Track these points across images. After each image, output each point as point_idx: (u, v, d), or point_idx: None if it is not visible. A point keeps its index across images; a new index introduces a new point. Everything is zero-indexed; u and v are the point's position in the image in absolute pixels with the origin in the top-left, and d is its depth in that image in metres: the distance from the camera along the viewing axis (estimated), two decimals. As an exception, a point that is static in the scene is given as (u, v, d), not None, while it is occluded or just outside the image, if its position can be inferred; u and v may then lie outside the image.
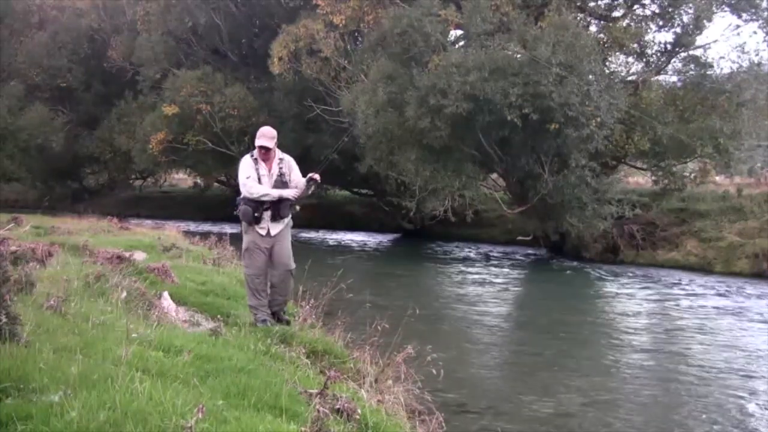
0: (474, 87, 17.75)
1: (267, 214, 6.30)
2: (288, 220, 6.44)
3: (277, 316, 6.36)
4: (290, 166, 6.45)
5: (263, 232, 6.31)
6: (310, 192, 6.45)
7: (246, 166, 6.34)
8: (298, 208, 6.48)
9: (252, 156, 6.37)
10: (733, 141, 19.51)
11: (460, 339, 10.91)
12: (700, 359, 9.78)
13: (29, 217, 13.24)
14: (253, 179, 6.28)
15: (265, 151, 6.28)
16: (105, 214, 18.22)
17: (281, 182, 6.33)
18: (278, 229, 6.35)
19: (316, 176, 6.33)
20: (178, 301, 6.75)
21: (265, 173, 6.30)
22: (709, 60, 20.42)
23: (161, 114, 26.98)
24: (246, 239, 6.38)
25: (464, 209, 20.61)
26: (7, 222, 10.93)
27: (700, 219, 21.62)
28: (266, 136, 6.32)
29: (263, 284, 6.32)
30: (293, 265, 6.44)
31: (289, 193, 6.28)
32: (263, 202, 6.24)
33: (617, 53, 21.60)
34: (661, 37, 27.54)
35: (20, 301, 4.66)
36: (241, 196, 6.35)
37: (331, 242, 26.76)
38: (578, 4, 21.70)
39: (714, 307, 13.99)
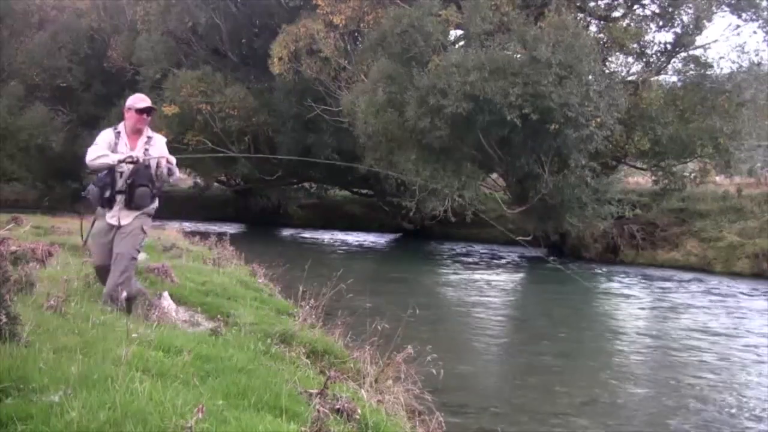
0: (474, 87, 17.76)
1: (120, 199, 5.43)
2: (146, 211, 5.56)
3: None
4: (160, 148, 5.57)
5: (113, 221, 5.44)
6: (169, 178, 5.54)
7: (101, 137, 5.51)
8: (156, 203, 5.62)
9: (115, 129, 5.57)
10: (733, 141, 19.53)
11: (460, 339, 10.91)
12: (701, 359, 9.79)
13: (29, 216, 13.22)
14: (98, 147, 5.39)
15: (145, 116, 5.50)
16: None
17: (144, 167, 5.41)
18: (129, 219, 5.47)
19: (172, 159, 5.46)
20: (178, 301, 6.73)
21: (125, 150, 5.45)
22: (709, 60, 20.46)
23: (161, 114, 26.97)
24: (95, 225, 5.57)
25: (464, 209, 20.62)
26: (7, 222, 10.91)
27: (700, 219, 21.65)
28: (146, 100, 5.62)
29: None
30: (135, 254, 5.56)
31: (123, 158, 5.32)
32: (115, 184, 5.40)
33: (617, 53, 21.60)
34: (661, 37, 27.55)
35: (20, 301, 4.66)
36: (95, 177, 5.54)
37: (331, 242, 26.76)
38: (578, 4, 21.70)
39: (714, 307, 14.01)
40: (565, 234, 21.84)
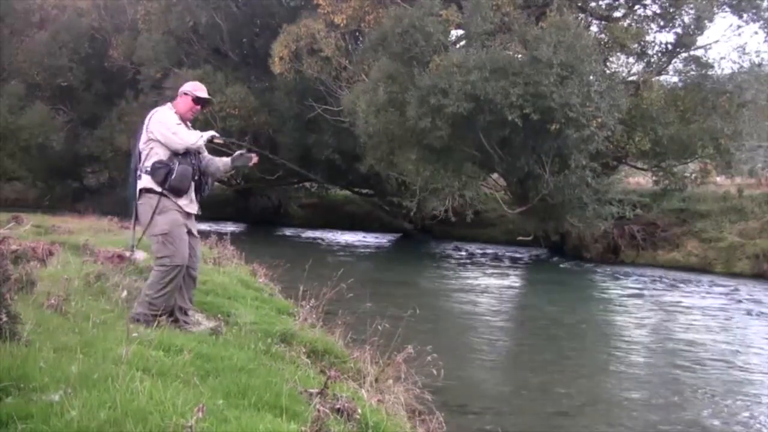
0: (475, 87, 17.75)
1: (192, 185, 5.20)
2: None
3: (183, 317, 5.26)
4: None
5: (191, 209, 5.19)
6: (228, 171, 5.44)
7: (172, 117, 5.18)
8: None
9: (174, 111, 5.28)
10: (734, 141, 19.52)
11: (460, 339, 10.91)
12: (701, 359, 9.78)
13: (30, 216, 13.21)
14: (183, 127, 5.15)
15: (200, 107, 5.30)
16: (106, 213, 18.21)
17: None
18: (197, 207, 5.28)
19: (255, 158, 5.28)
20: (179, 300, 6.72)
21: None
22: (710, 60, 20.43)
23: (162, 113, 26.96)
24: (164, 219, 5.04)
25: (464, 209, 20.62)
26: (7, 221, 10.91)
27: (701, 219, 21.65)
28: (205, 90, 5.40)
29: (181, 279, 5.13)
30: None
31: (218, 139, 5.19)
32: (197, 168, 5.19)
33: (618, 53, 21.59)
34: (662, 37, 27.41)
35: (21, 300, 4.66)
36: (163, 157, 5.08)
37: (331, 242, 26.76)
38: (579, 4, 21.69)
39: (714, 308, 14.00)
40: (566, 234, 21.84)
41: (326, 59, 23.70)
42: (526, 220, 21.78)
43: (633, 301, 14.90)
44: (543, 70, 17.50)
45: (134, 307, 5.16)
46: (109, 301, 5.74)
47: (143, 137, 5.20)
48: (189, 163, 5.13)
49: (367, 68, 21.88)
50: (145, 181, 5.13)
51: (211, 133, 5.28)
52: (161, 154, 5.10)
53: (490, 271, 19.47)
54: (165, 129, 5.09)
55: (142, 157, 5.17)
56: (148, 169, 5.10)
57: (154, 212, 5.05)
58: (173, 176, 5.04)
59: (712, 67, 20.19)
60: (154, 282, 5.07)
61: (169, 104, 5.35)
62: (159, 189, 5.08)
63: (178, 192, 5.09)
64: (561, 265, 20.69)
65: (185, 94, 5.33)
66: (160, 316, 4.98)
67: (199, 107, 5.35)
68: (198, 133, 5.21)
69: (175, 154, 5.12)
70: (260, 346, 5.03)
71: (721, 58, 22.67)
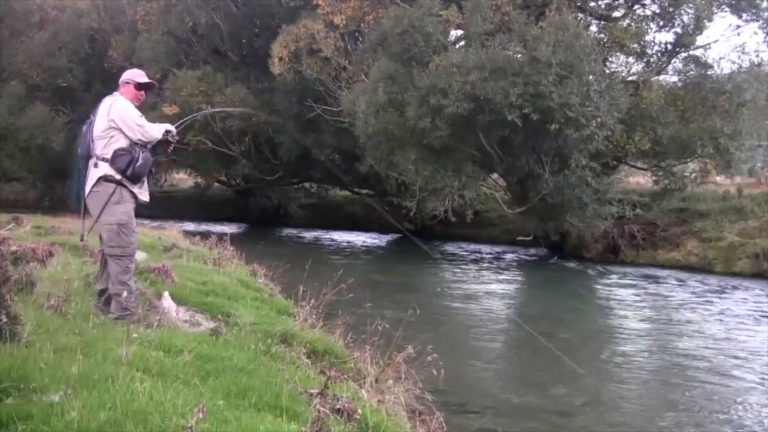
0: (474, 87, 17.74)
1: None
2: None
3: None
4: None
5: (144, 197, 5.28)
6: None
7: (133, 107, 5.26)
8: None
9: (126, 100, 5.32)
10: (734, 141, 19.51)
11: (460, 339, 10.92)
12: (701, 359, 9.78)
13: (30, 216, 13.21)
14: (147, 121, 5.26)
15: (144, 93, 5.40)
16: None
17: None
18: (147, 194, 5.36)
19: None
20: (179, 301, 6.73)
21: None
22: (710, 60, 20.43)
23: (162, 114, 26.96)
24: (120, 210, 5.13)
25: (464, 209, 20.61)
26: (7, 222, 10.91)
27: (701, 219, 21.65)
28: (145, 75, 5.48)
29: None
30: None
31: (172, 137, 5.34)
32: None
33: (617, 53, 21.58)
34: (661, 37, 27.57)
35: (21, 301, 4.66)
36: (124, 145, 5.13)
37: (331, 242, 26.76)
38: (578, 4, 21.68)
39: (714, 307, 14.00)
40: (566, 234, 21.83)
41: (326, 59, 23.68)
42: (526, 220, 21.77)
43: (633, 301, 14.91)
44: (542, 70, 17.49)
45: (113, 310, 5.15)
46: (109, 301, 5.72)
47: (100, 125, 5.19)
48: (149, 150, 5.26)
49: (367, 68, 21.87)
50: (103, 169, 5.14)
51: (168, 126, 5.40)
52: (122, 142, 5.15)
53: (490, 271, 19.48)
54: (130, 120, 5.16)
55: (99, 146, 5.16)
56: (108, 156, 5.12)
57: (108, 201, 5.10)
58: (138, 163, 5.11)
59: (711, 66, 20.21)
60: (116, 278, 5.11)
61: (117, 94, 5.37)
62: (118, 177, 5.12)
63: (138, 179, 5.17)
64: (561, 265, 20.69)
65: (126, 83, 5.42)
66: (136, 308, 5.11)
67: (143, 93, 5.45)
68: (158, 128, 5.33)
69: (135, 142, 5.19)
70: (260, 346, 5.03)
71: (721, 58, 22.64)
